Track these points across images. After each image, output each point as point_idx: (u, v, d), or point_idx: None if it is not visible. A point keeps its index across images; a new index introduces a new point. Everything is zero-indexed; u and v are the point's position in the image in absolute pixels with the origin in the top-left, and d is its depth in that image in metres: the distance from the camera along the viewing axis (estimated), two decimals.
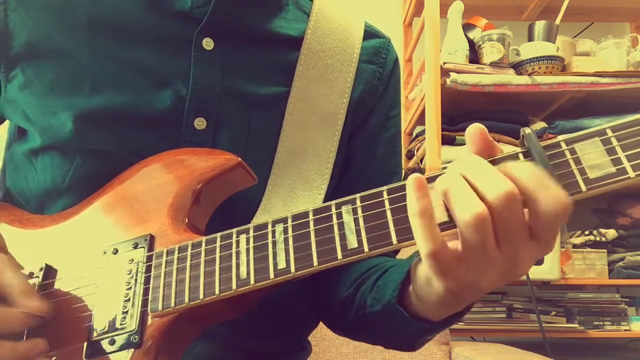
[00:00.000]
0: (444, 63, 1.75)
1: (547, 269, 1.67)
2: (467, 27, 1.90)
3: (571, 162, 0.40)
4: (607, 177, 0.39)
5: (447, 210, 0.42)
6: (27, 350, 0.50)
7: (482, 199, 0.39)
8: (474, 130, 0.43)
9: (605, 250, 1.88)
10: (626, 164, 0.39)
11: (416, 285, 0.49)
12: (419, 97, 1.91)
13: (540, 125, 1.88)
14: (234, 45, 0.65)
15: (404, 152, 2.12)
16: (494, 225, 0.40)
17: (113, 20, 0.63)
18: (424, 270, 0.46)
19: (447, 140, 1.77)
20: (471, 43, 1.84)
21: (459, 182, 0.40)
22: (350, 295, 0.63)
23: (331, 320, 0.71)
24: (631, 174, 0.39)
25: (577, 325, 1.79)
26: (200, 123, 0.62)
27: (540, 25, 1.89)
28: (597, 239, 1.90)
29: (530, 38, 1.90)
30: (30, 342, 0.51)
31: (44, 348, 0.51)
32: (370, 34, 0.75)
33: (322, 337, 1.25)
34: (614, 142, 0.40)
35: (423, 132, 1.84)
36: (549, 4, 2.12)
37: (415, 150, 1.93)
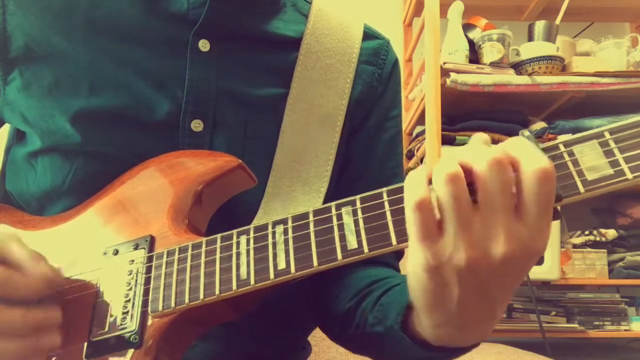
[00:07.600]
0: (444, 63, 1.75)
1: (547, 269, 1.67)
2: (467, 27, 1.90)
3: (569, 164, 0.41)
4: (605, 179, 0.40)
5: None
6: (40, 318, 0.48)
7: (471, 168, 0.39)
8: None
9: (605, 250, 1.88)
10: (624, 166, 0.39)
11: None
12: (419, 97, 1.91)
13: (540, 125, 1.89)
14: (230, 46, 0.65)
15: (404, 152, 2.12)
16: (480, 191, 0.39)
17: (110, 22, 0.63)
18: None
19: (447, 140, 1.77)
20: (471, 43, 1.84)
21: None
22: (352, 309, 0.61)
23: (332, 332, 0.69)
24: (629, 175, 0.39)
25: (577, 325, 1.79)
26: (197, 125, 0.62)
27: (540, 25, 1.89)
28: (597, 239, 1.90)
29: (530, 38, 1.90)
30: (42, 309, 0.49)
31: (57, 315, 0.50)
32: (369, 35, 0.74)
33: (322, 337, 1.24)
34: (612, 144, 0.40)
35: (423, 132, 1.84)
36: (549, 4, 2.13)
37: (415, 150, 1.94)
